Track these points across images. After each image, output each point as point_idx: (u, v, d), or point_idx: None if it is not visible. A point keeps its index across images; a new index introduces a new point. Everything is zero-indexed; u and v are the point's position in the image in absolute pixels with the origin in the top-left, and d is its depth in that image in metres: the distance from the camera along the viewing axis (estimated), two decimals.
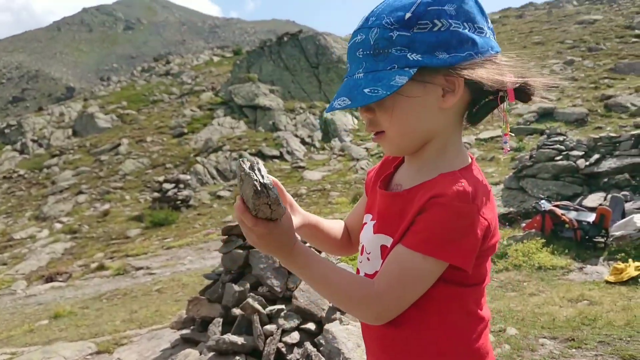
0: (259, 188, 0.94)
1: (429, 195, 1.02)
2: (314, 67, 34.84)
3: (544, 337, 4.60)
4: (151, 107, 38.71)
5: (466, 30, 1.02)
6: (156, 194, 22.84)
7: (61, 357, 5.21)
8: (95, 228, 21.42)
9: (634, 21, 41.42)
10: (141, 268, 13.33)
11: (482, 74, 1.01)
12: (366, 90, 1.01)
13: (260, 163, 1.00)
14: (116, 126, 35.21)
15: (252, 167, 0.97)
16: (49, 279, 14.48)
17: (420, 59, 1.00)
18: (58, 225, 22.32)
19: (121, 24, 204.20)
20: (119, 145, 31.10)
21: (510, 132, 1.15)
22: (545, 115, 25.89)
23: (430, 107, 1.05)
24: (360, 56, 1.04)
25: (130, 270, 13.23)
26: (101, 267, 14.67)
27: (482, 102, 1.10)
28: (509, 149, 1.09)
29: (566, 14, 52.05)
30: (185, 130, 31.71)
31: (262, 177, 0.96)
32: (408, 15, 1.00)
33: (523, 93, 1.09)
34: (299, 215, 1.24)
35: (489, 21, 1.07)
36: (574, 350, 4.16)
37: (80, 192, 26.30)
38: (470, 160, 1.14)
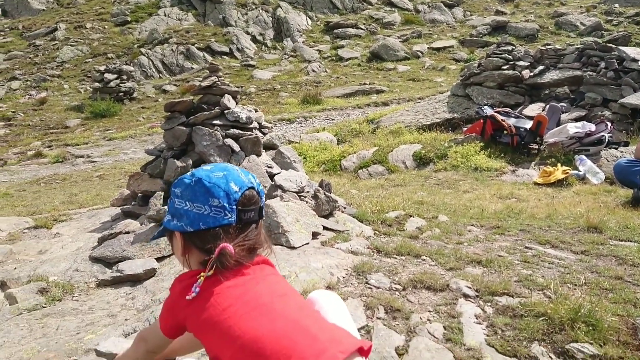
0: None
1: None
2: None
3: (472, 225, 4.89)
4: None
5: (186, 207, 1.49)
6: (97, 84, 21.78)
7: None
8: (31, 116, 20.40)
9: None
10: (81, 156, 12.99)
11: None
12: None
13: None
14: (52, 9, 32.61)
15: None
16: None
17: (166, 219, 1.57)
18: None
19: None
20: (55, 30, 28.98)
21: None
22: (499, 28, 25.95)
23: (179, 246, 1.54)
24: None
25: (70, 158, 12.87)
26: (39, 155, 14.17)
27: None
28: (194, 294, 1.43)
29: None
30: (129, 19, 29.79)
31: None
32: None
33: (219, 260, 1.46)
34: None
35: (219, 200, 1.46)
36: (497, 236, 4.46)
37: (14, 78, 24.71)
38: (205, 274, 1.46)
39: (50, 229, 5.33)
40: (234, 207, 1.48)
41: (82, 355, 2.33)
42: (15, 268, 3.75)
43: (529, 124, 8.77)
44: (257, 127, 4.91)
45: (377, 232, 4.25)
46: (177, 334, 1.57)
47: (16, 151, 15.82)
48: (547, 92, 11.07)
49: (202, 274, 1.44)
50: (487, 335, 2.28)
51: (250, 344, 1.31)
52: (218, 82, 4.60)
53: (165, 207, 3.90)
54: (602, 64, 10.03)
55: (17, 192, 8.98)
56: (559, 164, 7.72)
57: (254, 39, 27.61)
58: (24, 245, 4.41)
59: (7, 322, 2.81)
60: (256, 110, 5.03)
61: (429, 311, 2.52)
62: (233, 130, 4.52)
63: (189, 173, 1.56)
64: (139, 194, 4.66)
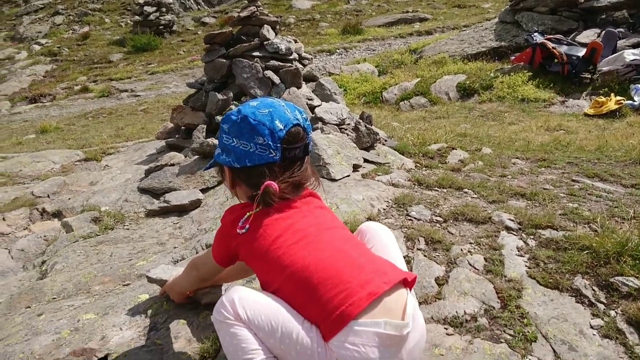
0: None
1: None
2: None
3: (517, 158, 4.78)
4: None
5: (233, 144, 1.52)
6: (137, 18, 21.74)
7: (50, 161, 5.36)
8: (75, 51, 20.71)
9: None
10: (125, 90, 13.21)
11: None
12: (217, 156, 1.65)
13: None
14: None
15: None
16: (33, 100, 14.37)
17: (217, 152, 1.63)
18: (36, 47, 21.51)
19: None
20: None
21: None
22: None
23: (229, 180, 1.63)
24: None
25: (115, 93, 13.11)
26: (85, 89, 14.50)
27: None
28: (245, 230, 1.48)
29: None
30: None
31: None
32: None
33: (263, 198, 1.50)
34: None
35: (264, 138, 1.48)
36: (543, 169, 4.35)
37: (57, 13, 24.92)
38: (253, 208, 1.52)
39: (99, 161, 5.54)
40: (279, 145, 1.49)
41: (135, 280, 2.47)
42: (69, 198, 3.94)
43: (582, 52, 8.31)
44: (297, 58, 4.83)
45: (418, 165, 4.21)
46: (230, 263, 1.63)
47: (63, 86, 16.22)
48: (603, 16, 10.37)
49: (250, 212, 1.48)
50: (529, 268, 2.28)
51: (299, 272, 1.37)
52: (257, 12, 4.50)
53: (208, 139, 3.96)
54: None
55: (67, 125, 9.28)
56: (612, 94, 7.35)
57: None
58: (76, 176, 4.60)
59: (65, 249, 2.99)
60: (296, 41, 4.93)
61: (470, 243, 2.52)
62: (273, 62, 4.47)
63: (235, 109, 1.57)
64: (182, 127, 4.73)
